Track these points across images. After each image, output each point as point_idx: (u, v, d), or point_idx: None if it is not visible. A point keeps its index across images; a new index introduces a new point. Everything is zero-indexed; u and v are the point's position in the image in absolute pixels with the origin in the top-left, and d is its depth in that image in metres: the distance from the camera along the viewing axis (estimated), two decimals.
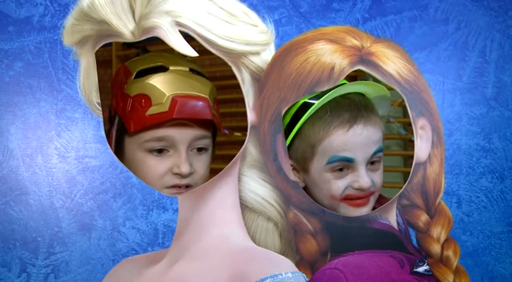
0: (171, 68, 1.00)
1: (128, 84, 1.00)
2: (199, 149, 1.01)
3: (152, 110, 0.98)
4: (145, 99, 0.98)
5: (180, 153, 0.99)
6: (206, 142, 1.01)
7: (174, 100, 0.98)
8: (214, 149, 1.04)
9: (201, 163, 1.01)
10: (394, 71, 1.04)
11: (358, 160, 1.00)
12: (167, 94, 0.98)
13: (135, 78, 1.00)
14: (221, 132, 1.04)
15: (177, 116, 0.98)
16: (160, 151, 1.00)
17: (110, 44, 1.03)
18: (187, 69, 1.01)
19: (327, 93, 1.00)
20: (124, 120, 1.00)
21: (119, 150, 1.03)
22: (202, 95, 1.00)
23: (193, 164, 1.00)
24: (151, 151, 1.00)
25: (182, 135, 0.99)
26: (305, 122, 1.01)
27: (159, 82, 0.99)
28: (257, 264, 0.93)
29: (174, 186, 1.00)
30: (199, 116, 0.99)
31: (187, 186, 1.00)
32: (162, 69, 1.00)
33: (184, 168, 0.99)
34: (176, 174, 0.99)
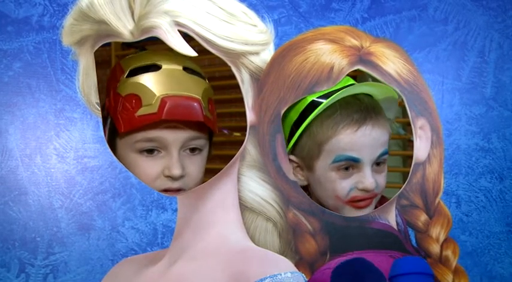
0: (164, 66, 0.99)
1: (120, 82, 0.99)
2: (193, 150, 1.00)
3: (142, 111, 0.96)
4: (135, 100, 0.96)
5: (171, 155, 0.98)
6: (200, 142, 1.01)
7: (163, 101, 0.95)
8: (211, 149, 1.04)
9: (194, 165, 1.00)
10: (394, 71, 1.04)
11: (364, 160, 1.00)
12: (157, 95, 0.96)
13: (127, 76, 0.99)
14: (216, 133, 1.04)
15: (166, 117, 0.95)
16: (150, 151, 0.98)
17: (109, 44, 1.03)
18: (180, 68, 0.99)
19: (336, 92, 1.00)
20: (115, 121, 0.99)
21: (112, 151, 1.02)
22: (193, 95, 0.97)
23: (185, 166, 0.99)
24: (141, 152, 0.99)
25: (174, 136, 0.98)
26: (313, 120, 1.01)
27: (150, 82, 0.97)
28: (256, 264, 0.93)
29: (166, 190, 1.00)
30: (190, 118, 0.97)
31: (179, 190, 1.00)
32: (155, 68, 0.99)
33: (176, 171, 0.97)
34: (167, 176, 0.99)
